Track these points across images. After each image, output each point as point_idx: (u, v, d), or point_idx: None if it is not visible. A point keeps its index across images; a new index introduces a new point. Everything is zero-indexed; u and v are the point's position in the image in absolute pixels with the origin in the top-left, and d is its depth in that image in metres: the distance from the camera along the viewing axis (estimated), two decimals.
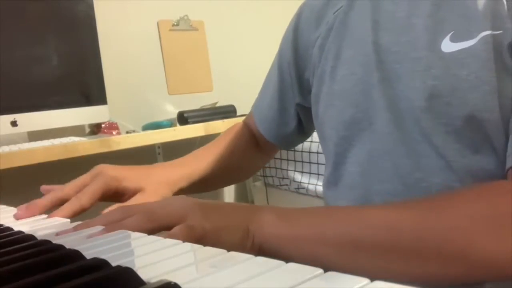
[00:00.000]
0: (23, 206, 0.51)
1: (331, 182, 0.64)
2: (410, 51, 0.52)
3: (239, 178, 0.91)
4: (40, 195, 0.56)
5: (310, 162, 1.72)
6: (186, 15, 2.04)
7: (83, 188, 0.56)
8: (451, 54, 0.49)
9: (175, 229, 0.38)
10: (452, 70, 0.48)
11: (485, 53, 0.47)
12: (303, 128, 0.76)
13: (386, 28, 0.55)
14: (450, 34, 0.49)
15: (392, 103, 0.53)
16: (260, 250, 0.40)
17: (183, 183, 0.66)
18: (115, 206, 0.52)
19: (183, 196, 0.48)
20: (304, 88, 0.70)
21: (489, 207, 0.38)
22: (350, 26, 0.60)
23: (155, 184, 0.61)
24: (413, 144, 0.52)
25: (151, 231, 0.38)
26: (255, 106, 0.80)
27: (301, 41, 0.68)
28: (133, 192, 0.59)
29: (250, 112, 0.82)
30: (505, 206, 0.37)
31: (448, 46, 0.49)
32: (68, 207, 0.52)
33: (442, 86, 0.49)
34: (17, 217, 0.49)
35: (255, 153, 0.81)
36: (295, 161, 1.78)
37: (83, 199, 0.54)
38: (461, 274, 0.37)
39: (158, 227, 0.40)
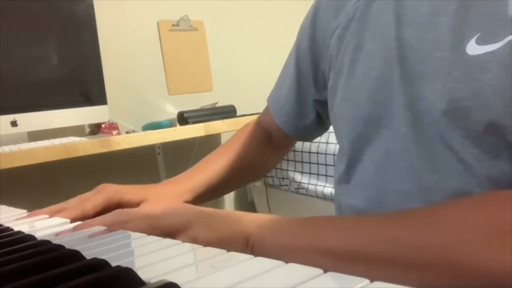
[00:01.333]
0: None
1: (344, 179, 0.62)
2: (433, 51, 0.50)
3: (253, 178, 0.90)
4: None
5: (310, 162, 1.72)
6: (186, 15, 2.04)
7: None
8: (476, 57, 0.47)
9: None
10: (475, 74, 0.46)
11: (510, 57, 0.44)
12: (322, 120, 0.74)
13: (410, 23, 0.53)
14: (476, 36, 0.47)
15: (411, 103, 0.52)
16: None
17: (187, 197, 0.66)
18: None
19: (185, 204, 0.48)
20: (318, 81, 0.68)
21: (488, 217, 0.37)
22: (372, 19, 0.58)
23: (159, 197, 0.62)
24: (430, 146, 0.50)
25: None
26: (271, 99, 0.78)
27: (318, 30, 0.67)
28: (137, 205, 0.60)
29: (265, 108, 0.80)
30: (504, 216, 0.36)
31: (473, 48, 0.47)
32: (70, 211, 0.53)
33: (463, 89, 0.47)
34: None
35: (269, 150, 0.79)
36: (295, 161, 1.78)
37: (86, 205, 0.55)
38: (459, 284, 0.36)
39: (160, 233, 0.40)
